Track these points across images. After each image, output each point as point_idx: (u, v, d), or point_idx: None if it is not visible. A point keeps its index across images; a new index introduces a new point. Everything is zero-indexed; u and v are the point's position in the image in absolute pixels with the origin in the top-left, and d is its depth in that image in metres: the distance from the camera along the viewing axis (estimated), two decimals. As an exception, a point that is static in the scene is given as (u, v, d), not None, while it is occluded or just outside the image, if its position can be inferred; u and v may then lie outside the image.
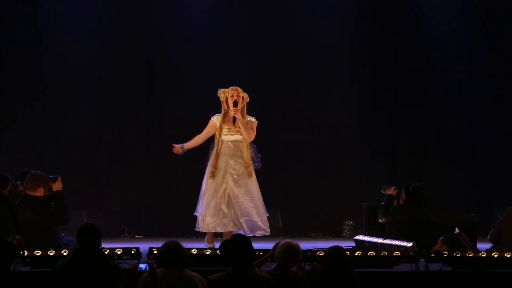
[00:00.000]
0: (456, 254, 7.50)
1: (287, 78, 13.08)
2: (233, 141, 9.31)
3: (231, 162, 9.26)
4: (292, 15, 13.09)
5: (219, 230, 9.26)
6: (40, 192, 7.91)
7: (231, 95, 9.27)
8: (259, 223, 9.25)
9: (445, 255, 7.47)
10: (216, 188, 9.22)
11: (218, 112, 9.38)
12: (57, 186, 7.98)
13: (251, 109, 12.70)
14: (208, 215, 9.18)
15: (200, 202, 9.28)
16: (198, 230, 9.36)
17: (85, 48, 12.59)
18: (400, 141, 13.30)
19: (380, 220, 9.31)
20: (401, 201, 9.26)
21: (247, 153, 9.28)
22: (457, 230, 8.69)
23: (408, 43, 13.26)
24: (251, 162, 9.30)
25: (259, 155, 9.39)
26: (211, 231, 9.27)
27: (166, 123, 12.60)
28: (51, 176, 7.97)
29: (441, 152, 13.24)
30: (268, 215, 9.40)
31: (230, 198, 9.21)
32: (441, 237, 8.47)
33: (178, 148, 9.49)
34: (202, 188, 9.31)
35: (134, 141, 12.69)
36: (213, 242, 9.27)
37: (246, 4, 13.04)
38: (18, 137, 12.32)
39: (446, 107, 13.23)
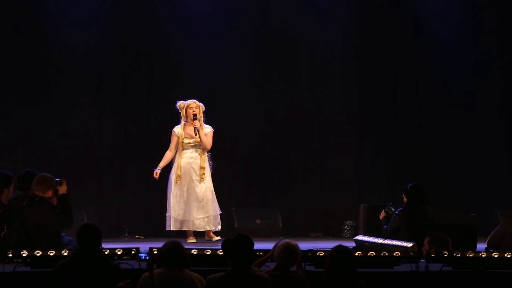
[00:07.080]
0: (456, 254, 7.50)
1: (288, 78, 13.06)
2: (192, 150, 10.49)
3: (191, 168, 10.43)
4: (294, 15, 13.05)
5: (184, 228, 10.49)
6: (48, 194, 8.08)
7: (189, 108, 10.47)
8: (205, 220, 10.41)
9: (445, 255, 7.46)
10: (180, 192, 10.45)
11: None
12: (63, 189, 8.13)
13: (252, 110, 12.84)
14: (174, 215, 10.45)
15: (169, 204, 10.54)
16: (168, 229, 10.52)
17: (85, 46, 12.55)
18: (400, 141, 13.27)
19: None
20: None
21: (202, 160, 10.44)
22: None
23: (409, 43, 13.23)
24: (206, 168, 10.47)
25: (211, 163, 10.58)
26: (175, 230, 10.48)
27: (167, 124, 12.57)
28: (56, 179, 8.10)
29: (441, 152, 13.22)
30: (220, 212, 10.55)
31: (189, 200, 10.43)
32: (427, 238, 8.44)
33: (156, 173, 10.61)
34: (169, 192, 10.56)
35: (134, 141, 12.66)
36: (193, 237, 10.50)
37: (247, 6, 13.02)
38: (17, 136, 12.29)
39: (446, 107, 13.21)
